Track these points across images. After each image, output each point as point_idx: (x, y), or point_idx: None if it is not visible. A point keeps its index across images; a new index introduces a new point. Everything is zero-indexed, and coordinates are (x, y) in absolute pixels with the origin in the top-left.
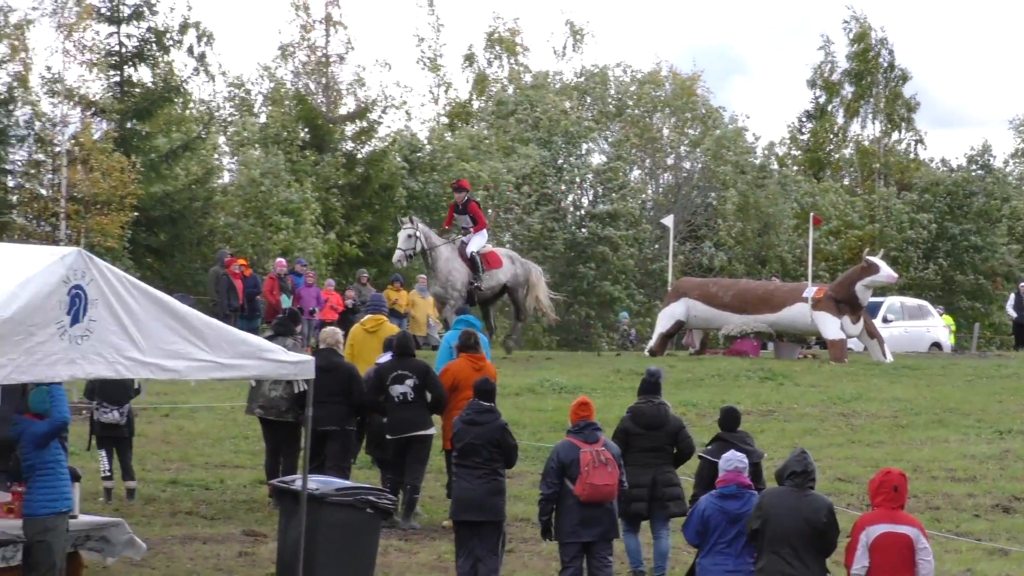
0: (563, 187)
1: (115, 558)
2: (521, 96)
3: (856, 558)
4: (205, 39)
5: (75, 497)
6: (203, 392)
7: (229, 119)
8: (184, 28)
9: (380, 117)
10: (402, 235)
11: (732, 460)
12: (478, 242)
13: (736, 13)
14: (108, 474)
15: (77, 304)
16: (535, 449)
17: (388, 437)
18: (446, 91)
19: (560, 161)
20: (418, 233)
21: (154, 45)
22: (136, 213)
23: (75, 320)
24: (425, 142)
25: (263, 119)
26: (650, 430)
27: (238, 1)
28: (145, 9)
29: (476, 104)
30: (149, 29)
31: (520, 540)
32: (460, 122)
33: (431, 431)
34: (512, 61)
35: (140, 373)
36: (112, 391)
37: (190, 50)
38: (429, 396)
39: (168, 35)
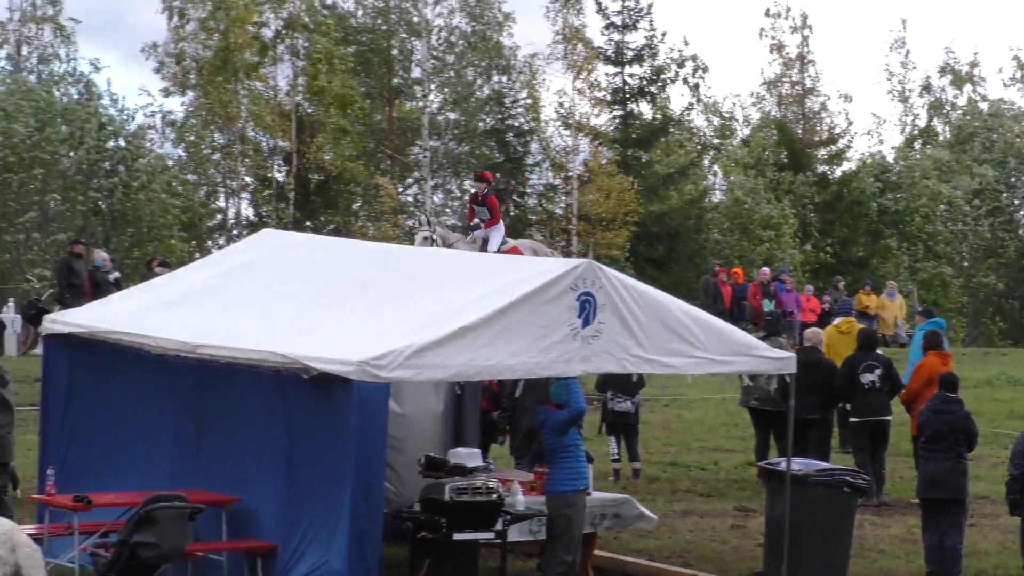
0: (1016, 201)
1: (628, 528)
2: (978, 123)
3: None
4: (700, 71)
5: (589, 476)
6: (698, 385)
7: (716, 144)
8: (682, 63)
9: (850, 143)
10: (418, 238)
11: None
12: (497, 239)
13: None
14: (616, 457)
15: (587, 309)
16: (992, 435)
17: (852, 420)
18: (913, 120)
19: (1013, 179)
20: (434, 236)
21: (653, 83)
22: (637, 229)
23: (586, 323)
24: (893, 163)
25: (738, 142)
26: None
27: (720, 38)
28: (646, 52)
29: (936, 125)
30: (650, 67)
31: (981, 516)
32: (924, 144)
33: (891, 417)
34: (969, 91)
35: (644, 369)
36: (624, 383)
37: (685, 81)
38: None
39: (666, 73)
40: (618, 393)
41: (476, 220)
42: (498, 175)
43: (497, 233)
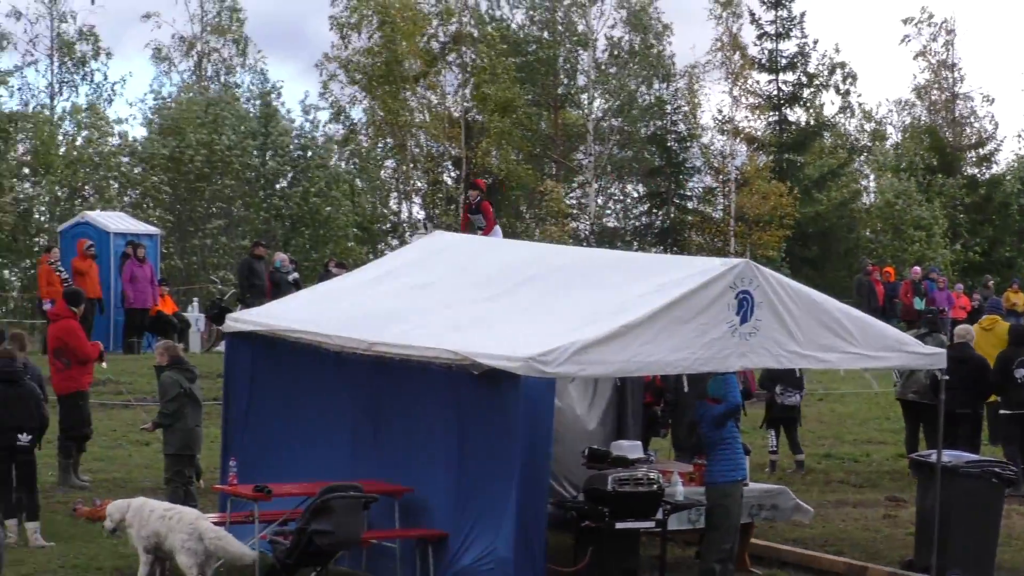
0: None
1: (785, 520)
2: None
3: None
4: (850, 79)
5: (746, 468)
6: (851, 380)
7: (867, 147)
8: (832, 70)
9: (998, 146)
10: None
11: None
12: None
13: None
14: (775, 449)
15: (745, 306)
16: None
17: (1003, 412)
18: None
19: None
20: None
21: (805, 89)
22: (792, 230)
23: (744, 320)
24: None
25: (890, 146)
26: None
27: (870, 44)
28: (799, 59)
29: None
30: (804, 73)
31: None
32: None
33: None
34: None
35: (799, 364)
36: (793, 378)
37: (836, 88)
38: None
39: (818, 79)
40: (788, 387)
41: (475, 227)
42: (659, 179)
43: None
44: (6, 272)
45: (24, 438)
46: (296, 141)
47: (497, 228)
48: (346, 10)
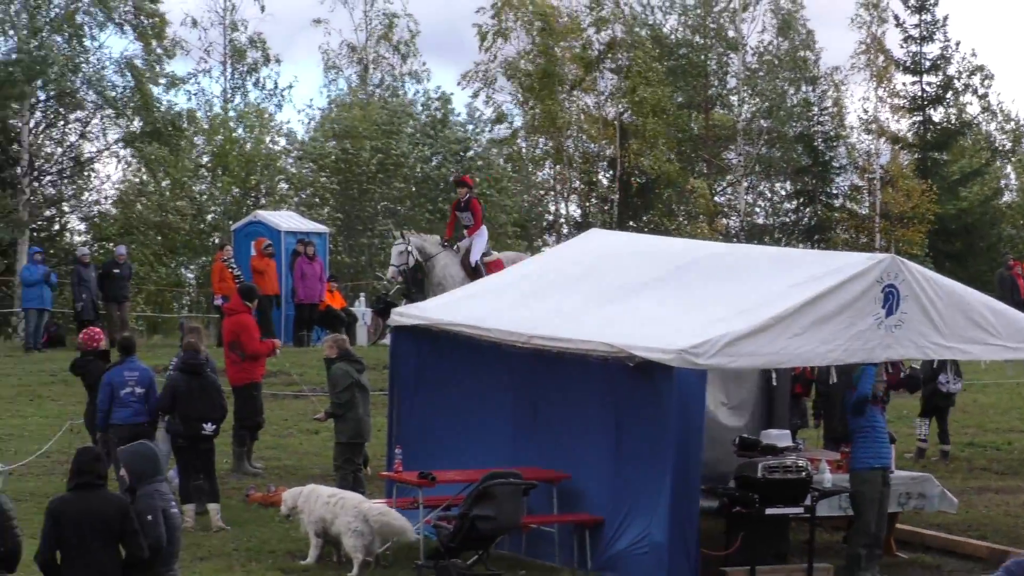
0: None
1: (933, 510)
2: None
3: None
4: (988, 80)
5: (890, 456)
6: (992, 371)
7: (1009, 147)
8: (972, 73)
9: None
10: (394, 251)
11: None
12: (480, 245)
13: None
14: (924, 437)
15: (891, 300)
16: None
17: None
18: None
19: None
20: (409, 248)
21: (947, 90)
22: (935, 226)
23: (889, 312)
24: None
25: None
26: None
27: (1010, 44)
28: (941, 62)
29: None
30: (944, 74)
31: None
32: None
33: None
34: None
35: (943, 355)
36: (956, 367)
37: (974, 91)
38: None
39: (959, 80)
40: (951, 376)
41: (461, 225)
42: (806, 178)
43: (480, 239)
44: (182, 269)
45: (208, 427)
46: (460, 144)
47: (483, 230)
48: (493, 17)
